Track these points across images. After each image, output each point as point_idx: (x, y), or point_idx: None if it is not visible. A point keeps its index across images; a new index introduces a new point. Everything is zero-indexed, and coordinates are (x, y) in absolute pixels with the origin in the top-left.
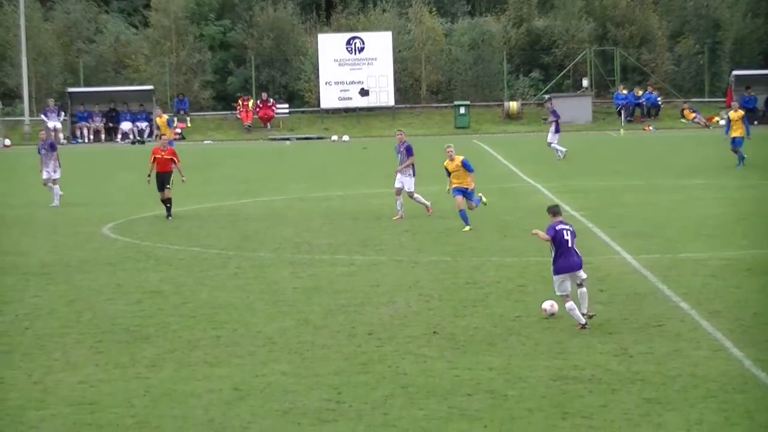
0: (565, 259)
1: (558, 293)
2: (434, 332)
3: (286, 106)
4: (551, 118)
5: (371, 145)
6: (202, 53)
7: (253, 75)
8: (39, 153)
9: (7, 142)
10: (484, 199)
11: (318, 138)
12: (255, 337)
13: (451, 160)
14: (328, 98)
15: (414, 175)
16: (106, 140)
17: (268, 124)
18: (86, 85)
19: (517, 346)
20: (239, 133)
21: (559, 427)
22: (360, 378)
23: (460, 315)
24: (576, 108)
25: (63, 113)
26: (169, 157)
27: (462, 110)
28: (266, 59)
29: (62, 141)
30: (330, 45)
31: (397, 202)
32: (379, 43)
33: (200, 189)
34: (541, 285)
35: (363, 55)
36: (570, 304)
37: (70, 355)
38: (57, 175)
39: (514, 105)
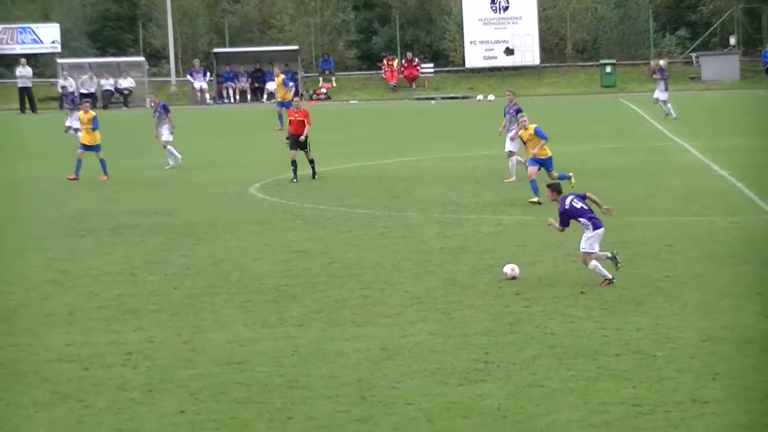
0: (595, 219)
1: (585, 250)
2: (582, 292)
3: (431, 65)
4: (658, 76)
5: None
6: (346, 13)
7: (398, 34)
8: (154, 116)
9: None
10: (573, 181)
11: (463, 97)
12: (402, 296)
13: (525, 129)
14: (473, 57)
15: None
16: (251, 100)
17: (413, 83)
18: (231, 45)
19: (665, 306)
20: (384, 93)
21: (709, 388)
22: (508, 338)
23: None
24: (723, 66)
25: (209, 74)
26: (302, 118)
27: (608, 69)
28: (410, 18)
29: (208, 101)
30: (474, 4)
31: (511, 164)
32: (524, 2)
33: (345, 149)
34: (690, 245)
35: (507, 14)
36: (594, 263)
37: (218, 315)
38: (170, 138)
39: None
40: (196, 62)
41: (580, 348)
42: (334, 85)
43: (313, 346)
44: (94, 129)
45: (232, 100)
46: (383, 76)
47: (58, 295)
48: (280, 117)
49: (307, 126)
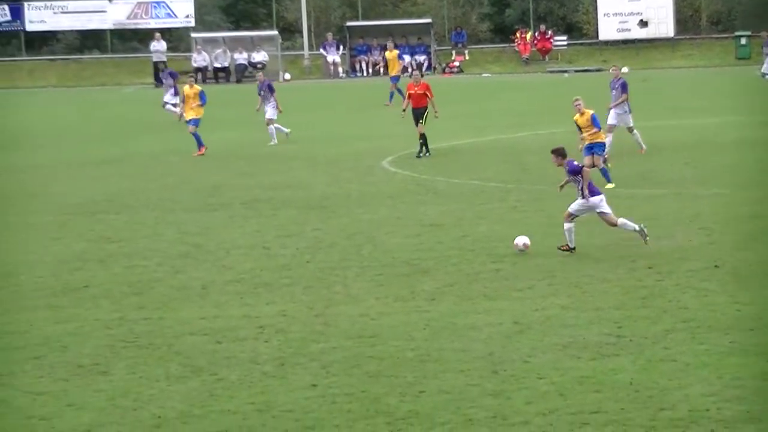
0: (591, 188)
1: (575, 212)
2: (715, 266)
3: (564, 38)
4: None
5: (651, 77)
6: None
7: (531, 7)
8: (258, 94)
9: (287, 76)
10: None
11: (596, 70)
12: (534, 270)
13: (581, 114)
14: (607, 30)
15: (630, 111)
16: (384, 74)
17: (546, 56)
18: (364, 18)
19: None
20: (517, 66)
21: None
22: (640, 312)
23: (742, 248)
24: None
25: (342, 47)
26: (423, 92)
27: (743, 41)
28: None
29: (341, 75)
30: None
31: (608, 138)
32: None
33: (478, 122)
34: None
35: None
36: (568, 226)
37: (350, 288)
38: (274, 116)
39: None
40: (329, 36)
41: (714, 322)
42: (467, 58)
43: (445, 319)
44: (202, 105)
45: (365, 74)
46: (516, 48)
47: (190, 269)
48: (392, 93)
49: (430, 98)
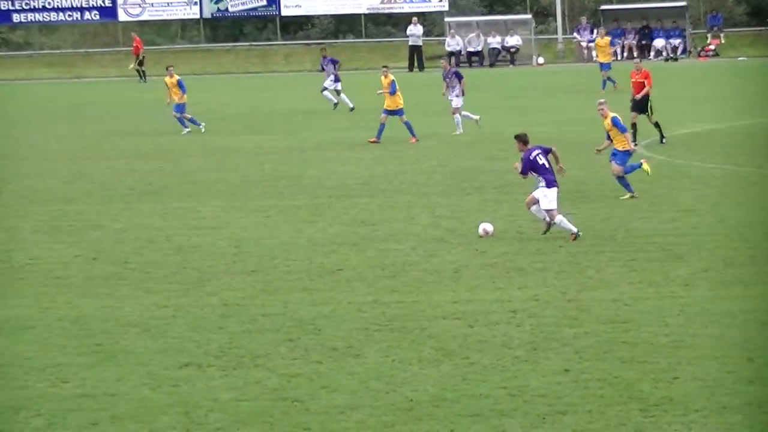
0: (550, 178)
1: (548, 208)
2: None
3: None
4: None
5: None
6: None
7: None
8: (444, 80)
9: (541, 60)
10: (645, 167)
11: None
12: None
13: (605, 118)
14: None
15: None
16: (638, 57)
17: None
18: (619, 2)
19: None
20: None
21: None
22: None
23: None
24: None
25: (595, 31)
26: (642, 80)
27: None
28: None
29: (595, 59)
30: None
31: None
32: None
33: (734, 106)
34: None
35: None
36: (560, 218)
37: (603, 273)
38: (459, 105)
39: None
40: (583, 20)
41: None
42: (723, 41)
43: (700, 305)
44: (391, 93)
45: (619, 57)
46: None
47: (444, 253)
48: (604, 81)
49: (646, 87)
